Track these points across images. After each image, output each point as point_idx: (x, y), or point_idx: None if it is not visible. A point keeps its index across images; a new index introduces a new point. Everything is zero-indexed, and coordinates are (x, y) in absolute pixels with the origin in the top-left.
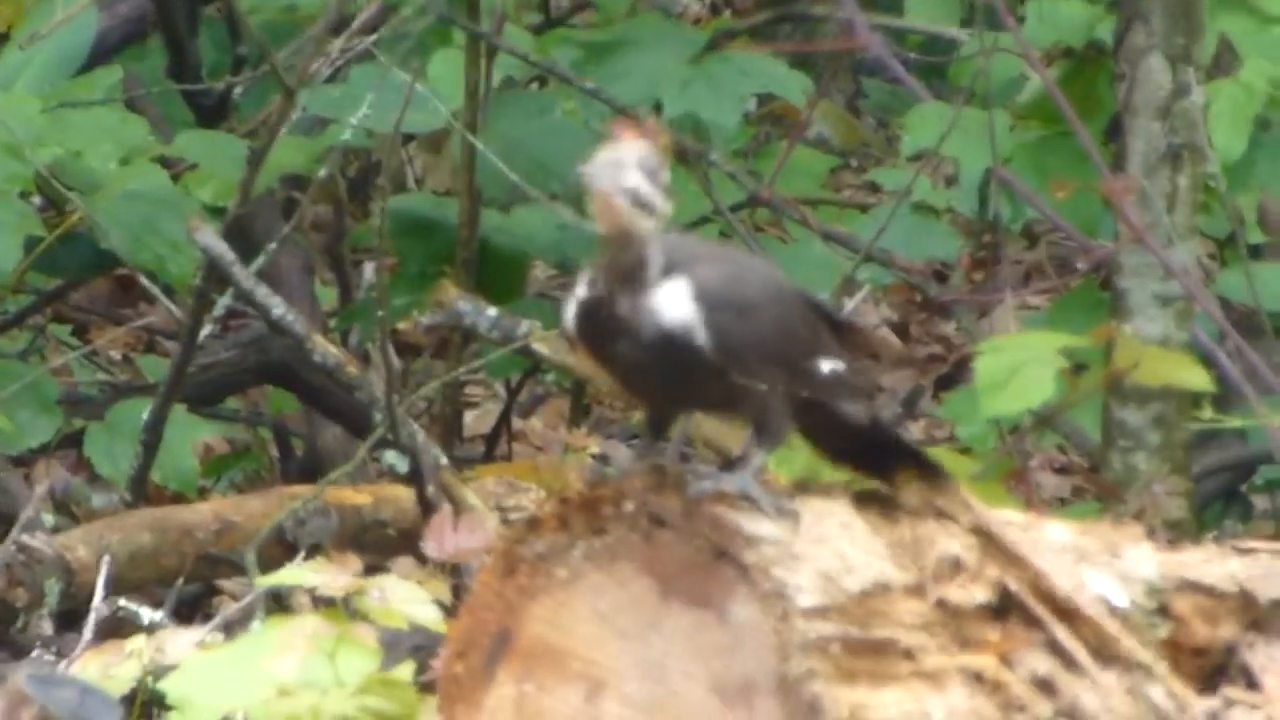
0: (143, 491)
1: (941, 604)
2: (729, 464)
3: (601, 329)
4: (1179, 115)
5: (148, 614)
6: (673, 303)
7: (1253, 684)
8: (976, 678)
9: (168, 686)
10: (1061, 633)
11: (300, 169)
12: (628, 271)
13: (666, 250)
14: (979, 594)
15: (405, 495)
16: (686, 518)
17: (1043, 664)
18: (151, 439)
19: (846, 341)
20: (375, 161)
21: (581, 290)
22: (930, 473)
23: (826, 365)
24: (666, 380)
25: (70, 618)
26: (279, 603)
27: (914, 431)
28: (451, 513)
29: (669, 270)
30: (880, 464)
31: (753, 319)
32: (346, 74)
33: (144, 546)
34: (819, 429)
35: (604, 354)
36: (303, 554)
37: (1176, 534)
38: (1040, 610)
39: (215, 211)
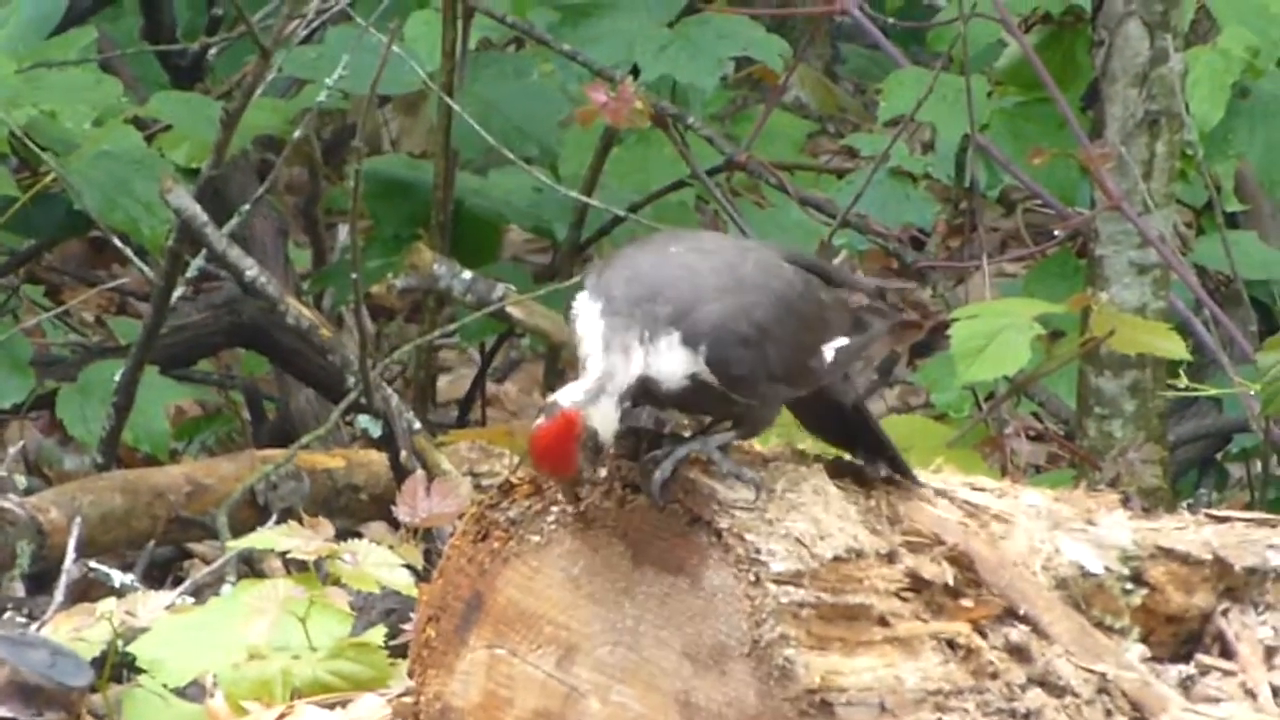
0: (114, 454)
1: (913, 573)
2: (704, 429)
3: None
4: (1157, 82)
5: (119, 576)
6: (675, 363)
7: (1227, 651)
8: (950, 644)
9: (139, 649)
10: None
11: (275, 130)
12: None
13: (672, 291)
14: (950, 572)
15: (378, 460)
16: (661, 484)
17: (1016, 631)
18: (123, 401)
19: (845, 299)
20: (351, 123)
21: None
22: (900, 474)
23: (830, 350)
24: (677, 406)
25: (42, 580)
26: (251, 566)
27: (889, 399)
28: (425, 477)
29: (671, 321)
30: (857, 446)
31: (759, 347)
32: (322, 35)
33: (116, 509)
34: (804, 407)
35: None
36: (275, 518)
37: (1152, 502)
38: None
39: (189, 173)
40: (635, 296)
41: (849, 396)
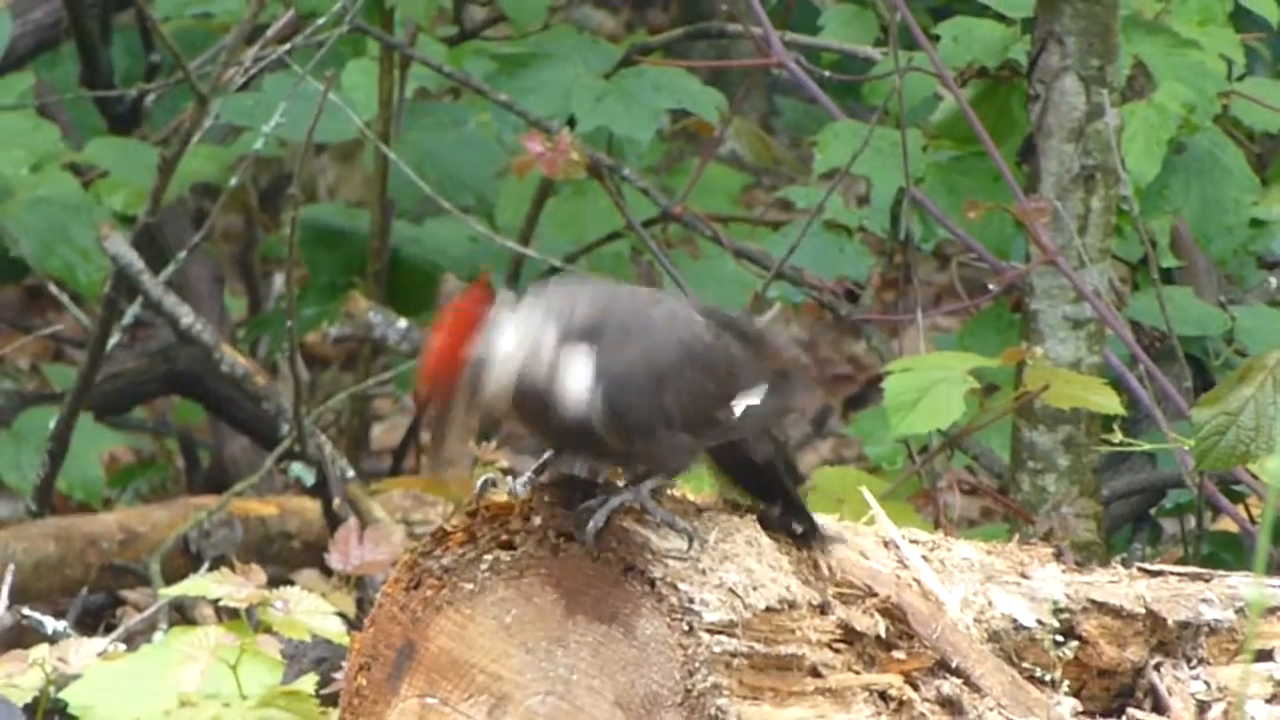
0: (48, 501)
1: (845, 625)
2: (636, 479)
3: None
4: (1093, 137)
5: (51, 623)
6: (576, 379)
7: (1159, 706)
8: (882, 696)
9: (70, 696)
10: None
11: (212, 178)
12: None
13: (585, 308)
14: (882, 624)
15: (311, 507)
16: (595, 533)
17: (948, 684)
18: (58, 448)
19: (762, 357)
20: (287, 171)
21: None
22: (807, 533)
23: (741, 405)
24: (577, 443)
25: None
26: (182, 614)
27: (823, 451)
28: (357, 525)
29: (583, 335)
30: (768, 500)
31: (655, 394)
32: (260, 82)
33: (48, 556)
34: (722, 460)
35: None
36: (207, 565)
37: (1085, 556)
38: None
39: (126, 219)
40: (550, 305)
41: (760, 453)
